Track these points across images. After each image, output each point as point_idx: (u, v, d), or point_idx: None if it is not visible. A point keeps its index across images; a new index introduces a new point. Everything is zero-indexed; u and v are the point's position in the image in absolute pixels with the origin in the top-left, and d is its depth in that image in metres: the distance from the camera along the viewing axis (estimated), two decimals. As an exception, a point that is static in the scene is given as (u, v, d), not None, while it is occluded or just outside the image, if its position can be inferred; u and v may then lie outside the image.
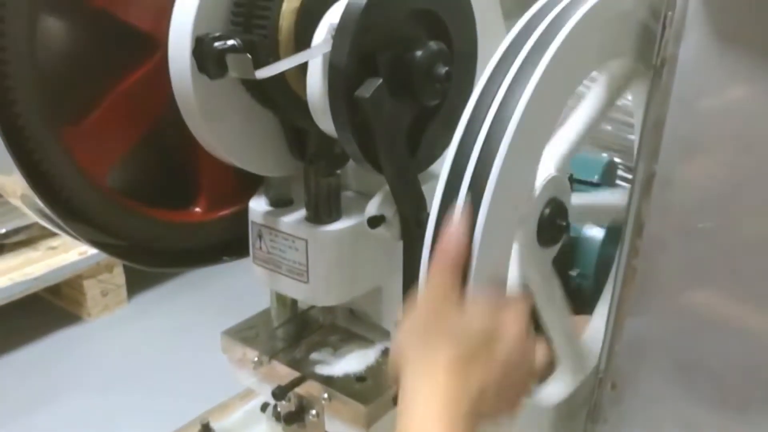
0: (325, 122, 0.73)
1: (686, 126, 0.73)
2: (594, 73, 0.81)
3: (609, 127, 1.34)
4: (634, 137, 0.89)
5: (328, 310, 0.96)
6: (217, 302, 2.12)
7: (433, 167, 0.81)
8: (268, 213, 0.86)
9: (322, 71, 0.70)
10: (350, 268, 0.85)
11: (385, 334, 0.95)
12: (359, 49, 0.68)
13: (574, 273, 1.08)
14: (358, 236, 0.83)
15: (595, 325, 0.96)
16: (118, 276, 2.22)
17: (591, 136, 1.21)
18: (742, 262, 0.72)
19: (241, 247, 0.93)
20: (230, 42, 0.70)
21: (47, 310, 2.20)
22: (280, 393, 0.89)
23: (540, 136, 0.67)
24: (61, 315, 2.19)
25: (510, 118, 0.62)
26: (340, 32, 0.68)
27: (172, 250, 0.96)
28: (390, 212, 0.77)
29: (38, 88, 0.78)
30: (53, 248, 2.10)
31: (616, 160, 1.27)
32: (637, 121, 0.91)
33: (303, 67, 0.74)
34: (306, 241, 0.83)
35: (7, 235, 2.03)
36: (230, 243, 0.98)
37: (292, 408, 0.93)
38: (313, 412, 0.90)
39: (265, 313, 1.01)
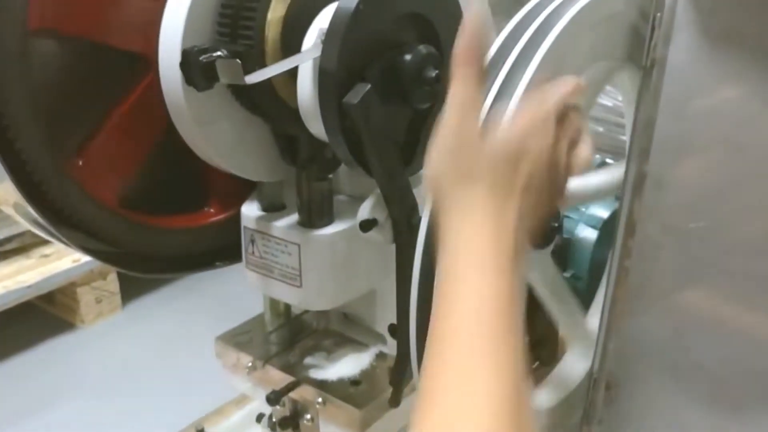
0: (315, 127, 0.73)
1: (677, 127, 0.73)
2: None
3: (600, 129, 1.34)
4: (626, 138, 0.89)
5: (322, 314, 0.96)
6: (211, 308, 2.12)
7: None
8: (260, 218, 0.86)
9: (312, 76, 0.70)
10: (343, 272, 0.84)
11: (379, 338, 0.95)
12: (349, 54, 0.68)
13: (567, 274, 1.08)
14: (351, 240, 0.83)
15: (589, 326, 0.96)
16: (112, 283, 2.22)
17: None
18: (735, 263, 0.72)
19: (235, 252, 0.93)
20: (216, 54, 0.70)
21: (41, 317, 2.20)
22: (274, 398, 0.88)
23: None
24: (55, 322, 2.19)
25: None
26: (329, 37, 0.68)
27: (165, 256, 0.96)
28: (382, 216, 0.77)
29: (37, 121, 0.79)
30: (46, 256, 2.09)
31: (608, 161, 1.27)
32: (628, 122, 0.91)
33: (291, 75, 0.74)
34: (299, 246, 0.83)
35: (-1, 243, 2.03)
36: (225, 248, 0.98)
37: (287, 413, 0.93)
38: (308, 416, 0.90)
39: (259, 318, 1.01)
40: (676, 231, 0.74)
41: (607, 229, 1.05)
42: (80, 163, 0.84)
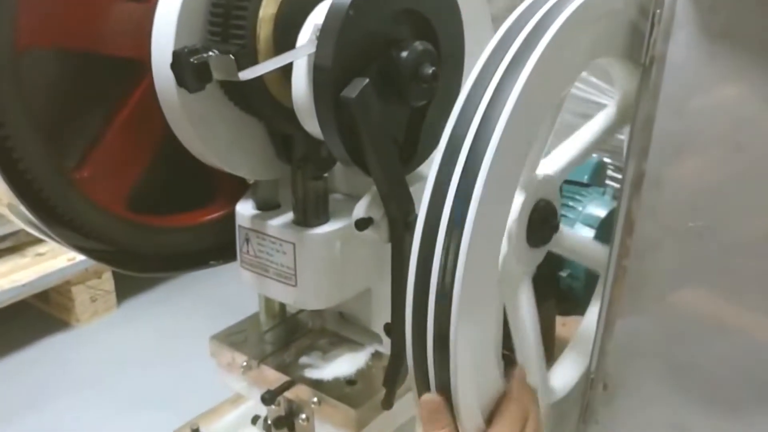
0: (311, 125, 0.72)
1: (676, 125, 0.73)
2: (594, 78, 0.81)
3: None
4: (624, 137, 0.89)
5: (317, 313, 0.95)
6: (206, 307, 2.12)
7: (421, 168, 0.81)
8: (255, 216, 0.85)
9: (306, 73, 0.69)
10: (339, 271, 0.84)
11: (375, 337, 0.94)
12: (344, 50, 0.67)
13: (564, 274, 1.08)
14: (347, 239, 0.82)
15: (586, 326, 0.95)
16: (107, 282, 2.21)
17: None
18: (733, 262, 0.71)
19: (230, 251, 0.92)
20: (207, 54, 0.69)
21: (36, 316, 2.19)
22: (269, 397, 0.88)
23: (528, 135, 0.66)
24: (50, 321, 2.18)
25: (499, 117, 0.62)
26: (324, 33, 0.67)
27: (160, 255, 0.95)
28: (378, 214, 0.76)
29: (37, 137, 0.78)
30: (41, 255, 2.09)
31: (606, 160, 1.27)
32: (614, 104, 0.90)
33: (284, 73, 0.73)
34: (293, 245, 0.82)
35: (-6, 242, 2.02)
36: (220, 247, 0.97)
37: (282, 412, 0.92)
38: (303, 416, 0.90)
39: (254, 318, 1.00)
40: (674, 230, 0.74)
41: (604, 228, 1.05)
42: (86, 174, 0.84)
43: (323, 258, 0.83)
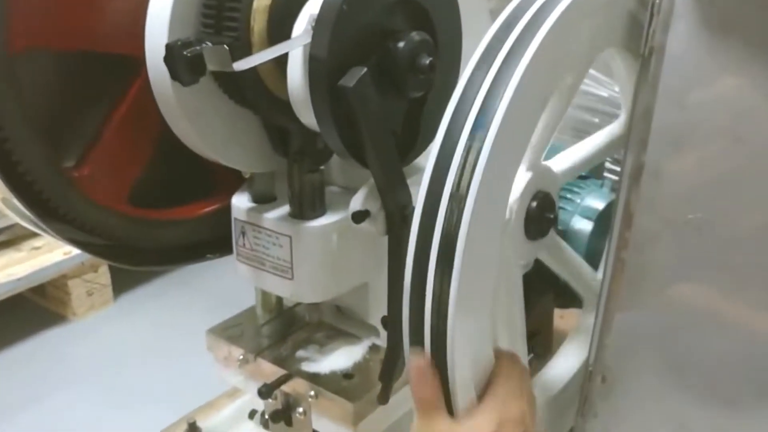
0: (306, 116, 0.71)
1: (675, 116, 0.72)
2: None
3: (596, 120, 1.33)
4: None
5: (314, 307, 0.95)
6: (203, 300, 2.11)
7: (418, 160, 0.80)
8: (251, 209, 0.85)
9: (302, 63, 0.69)
10: (335, 264, 0.83)
11: (373, 330, 0.94)
12: (340, 40, 0.67)
13: (562, 266, 1.07)
14: (343, 232, 0.82)
15: (584, 319, 0.95)
16: (104, 275, 2.21)
17: (577, 128, 1.21)
18: (732, 255, 0.71)
19: (226, 244, 0.92)
20: (200, 47, 0.68)
21: (32, 310, 2.19)
22: (266, 391, 0.87)
23: (526, 127, 0.66)
24: (47, 315, 2.18)
25: (496, 108, 0.61)
26: (320, 23, 0.66)
27: (155, 248, 0.94)
28: (375, 207, 0.75)
29: (34, 138, 0.78)
30: (37, 248, 2.08)
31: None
32: (624, 112, 0.90)
33: (279, 65, 0.72)
34: (290, 238, 0.81)
35: (-11, 235, 2.01)
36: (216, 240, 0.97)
37: (279, 406, 0.92)
38: (300, 409, 0.89)
39: (251, 311, 1.00)
40: (673, 223, 0.73)
41: (602, 220, 1.04)
42: (85, 172, 0.84)
43: (320, 251, 0.82)
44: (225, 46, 0.67)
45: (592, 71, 1.30)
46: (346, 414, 0.84)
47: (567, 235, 1.03)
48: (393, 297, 0.77)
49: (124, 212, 0.88)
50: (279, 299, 0.98)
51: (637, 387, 0.77)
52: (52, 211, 0.82)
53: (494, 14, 0.89)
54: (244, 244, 0.86)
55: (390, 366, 0.81)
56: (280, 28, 0.72)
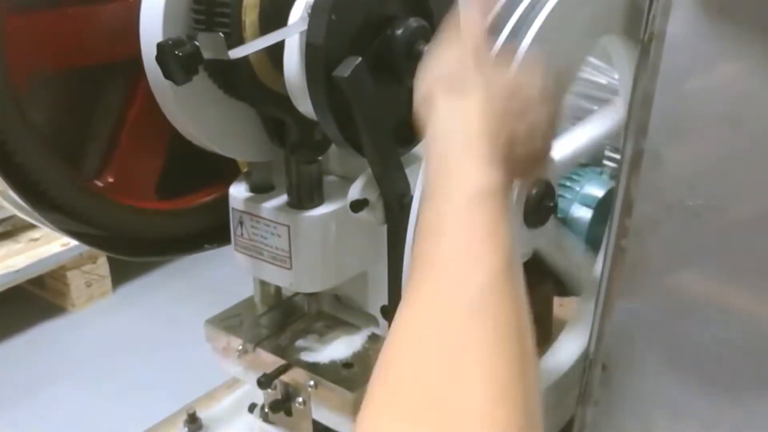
0: (303, 104, 0.71)
1: (675, 103, 0.72)
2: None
3: (595, 107, 1.33)
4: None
5: (313, 296, 0.94)
6: (203, 291, 2.11)
7: (417, 149, 0.80)
8: (248, 199, 0.84)
9: (299, 51, 0.68)
10: (334, 253, 0.83)
11: (372, 320, 0.94)
12: (337, 27, 0.66)
13: (562, 254, 1.07)
14: (342, 221, 0.81)
15: (584, 307, 0.95)
16: (102, 266, 2.20)
17: (577, 116, 1.20)
18: (733, 242, 0.71)
19: (224, 234, 0.91)
20: (191, 46, 0.68)
21: (31, 301, 2.18)
22: (265, 381, 0.87)
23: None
24: (46, 307, 2.17)
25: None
26: (316, 9, 0.66)
27: (153, 239, 0.94)
28: (373, 196, 0.75)
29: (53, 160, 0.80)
30: (35, 240, 2.07)
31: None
32: (623, 99, 0.90)
33: (272, 59, 0.72)
34: (288, 227, 0.81)
35: (-13, 227, 2.01)
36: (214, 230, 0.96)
37: (278, 396, 0.91)
38: (300, 399, 0.89)
39: (249, 301, 1.00)
40: (673, 209, 0.73)
41: (601, 208, 1.04)
42: (110, 179, 0.86)
43: (318, 240, 0.82)
44: (220, 33, 0.66)
45: (590, 59, 1.30)
46: (346, 403, 0.84)
47: (566, 223, 1.03)
48: (393, 286, 0.77)
49: (115, 201, 0.88)
50: (278, 289, 0.98)
51: (637, 375, 0.77)
52: (31, 185, 0.81)
53: None
54: (242, 234, 0.86)
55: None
56: (271, 22, 0.72)
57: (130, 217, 0.90)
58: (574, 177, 1.08)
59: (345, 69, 0.66)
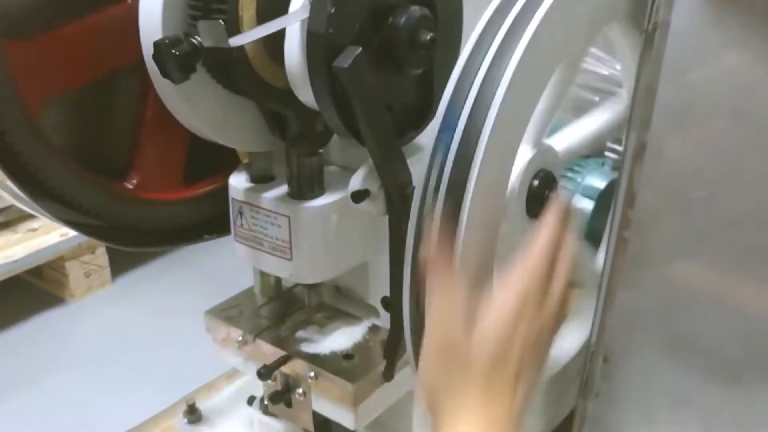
0: (304, 94, 0.70)
1: (679, 93, 0.71)
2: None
3: (597, 98, 1.32)
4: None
5: (314, 288, 0.94)
6: (202, 281, 2.11)
7: (419, 139, 0.79)
8: (248, 189, 0.84)
9: (300, 39, 0.67)
10: (334, 244, 0.83)
11: (372, 311, 0.93)
12: (339, 15, 0.65)
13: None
14: (342, 212, 0.81)
15: (584, 298, 0.94)
16: (101, 257, 2.20)
17: (578, 107, 1.19)
18: (737, 234, 0.70)
19: (224, 225, 0.91)
20: (188, 45, 0.67)
21: (29, 292, 2.18)
22: (265, 372, 0.87)
23: (528, 104, 0.65)
24: (44, 297, 2.17)
25: (497, 86, 0.60)
26: (318, -3, 0.65)
27: (152, 229, 0.93)
28: (374, 186, 0.75)
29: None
30: (33, 230, 2.07)
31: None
32: (626, 90, 0.89)
33: (270, 53, 0.71)
34: (288, 218, 0.80)
35: (-16, 217, 2.00)
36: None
37: (278, 387, 0.91)
38: (300, 390, 0.89)
39: (249, 292, 0.99)
40: (676, 201, 0.72)
41: (603, 199, 1.03)
42: (136, 180, 0.87)
43: (319, 231, 0.81)
44: (220, 21, 0.66)
45: (592, 49, 1.29)
46: (346, 395, 0.84)
47: (568, 214, 1.02)
48: (394, 277, 0.76)
49: (114, 190, 0.88)
50: (278, 280, 0.98)
51: (639, 366, 0.77)
52: (28, 174, 0.80)
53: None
54: (242, 225, 0.85)
55: (393, 346, 0.80)
56: (269, 16, 0.70)
57: (130, 207, 0.90)
58: (576, 168, 1.07)
59: (345, 59, 0.65)
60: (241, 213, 0.85)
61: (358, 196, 0.75)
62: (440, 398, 0.57)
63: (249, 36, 0.66)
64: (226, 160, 0.91)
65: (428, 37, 0.70)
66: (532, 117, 0.67)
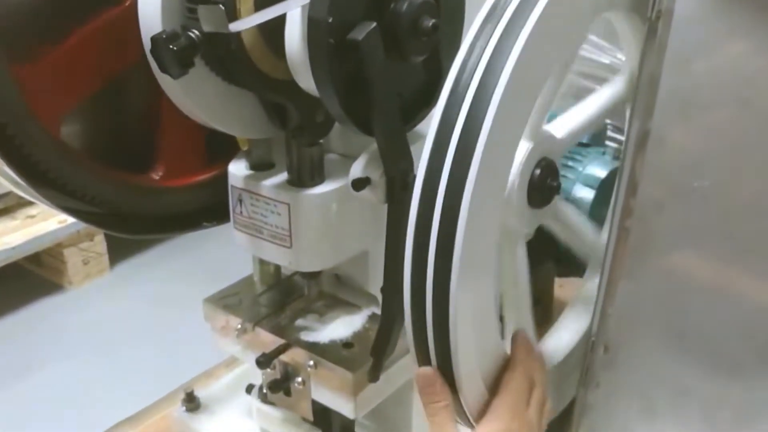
0: (305, 80, 0.70)
1: (682, 82, 0.71)
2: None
3: (597, 87, 1.31)
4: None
5: (313, 276, 0.94)
6: (200, 269, 2.11)
7: (420, 127, 0.79)
8: (248, 177, 0.83)
9: (300, 26, 0.67)
10: (334, 232, 0.82)
11: (372, 300, 0.93)
12: (340, 1, 0.65)
13: (563, 235, 1.06)
14: (343, 200, 0.80)
15: (585, 287, 0.94)
16: (100, 244, 2.20)
17: (578, 96, 1.19)
18: (738, 224, 0.70)
19: (223, 212, 0.90)
20: (185, 39, 0.66)
21: (28, 279, 2.18)
22: (264, 360, 0.87)
23: (530, 92, 0.64)
24: (42, 284, 2.17)
25: (500, 73, 0.59)
26: (319, -18, 0.64)
27: (150, 216, 0.93)
28: (375, 174, 0.74)
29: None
30: (32, 217, 2.07)
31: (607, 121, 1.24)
32: (623, 77, 0.89)
33: (268, 44, 0.71)
34: (288, 206, 0.80)
35: (-17, 204, 2.00)
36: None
37: (277, 376, 0.91)
38: (299, 379, 0.89)
39: (248, 280, 0.99)
40: (678, 190, 0.72)
41: (604, 189, 1.03)
42: (162, 171, 0.89)
43: (319, 219, 0.81)
44: (220, 5, 0.65)
45: (593, 38, 1.28)
46: (346, 384, 0.84)
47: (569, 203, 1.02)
48: (390, 264, 0.76)
49: (112, 177, 0.88)
50: (277, 268, 0.97)
51: (639, 356, 0.77)
52: (28, 161, 0.80)
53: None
54: (241, 212, 0.85)
55: (383, 340, 0.80)
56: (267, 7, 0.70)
57: (129, 194, 0.89)
58: (577, 157, 1.07)
59: (359, 32, 0.64)
60: (240, 200, 0.84)
61: (359, 184, 0.74)
62: None
63: (249, 21, 0.66)
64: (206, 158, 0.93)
65: (430, 24, 0.69)
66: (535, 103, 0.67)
